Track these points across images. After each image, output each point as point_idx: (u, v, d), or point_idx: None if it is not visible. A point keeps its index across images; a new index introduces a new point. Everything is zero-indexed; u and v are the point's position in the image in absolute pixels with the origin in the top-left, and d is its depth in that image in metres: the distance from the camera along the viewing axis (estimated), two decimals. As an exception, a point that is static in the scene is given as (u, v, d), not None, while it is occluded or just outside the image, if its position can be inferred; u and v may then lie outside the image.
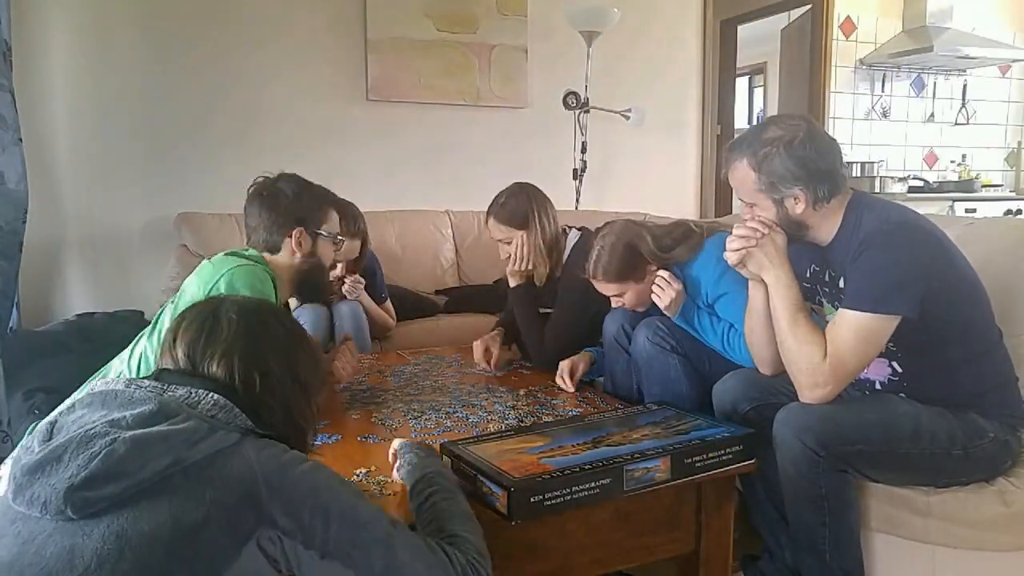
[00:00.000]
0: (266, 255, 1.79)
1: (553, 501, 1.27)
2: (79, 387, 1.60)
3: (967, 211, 4.67)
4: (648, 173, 4.52)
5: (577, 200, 4.06)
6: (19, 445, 0.96)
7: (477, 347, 2.32)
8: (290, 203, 1.79)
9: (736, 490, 1.61)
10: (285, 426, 1.04)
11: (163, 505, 0.85)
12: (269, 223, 1.78)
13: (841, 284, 1.60)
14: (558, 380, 2.08)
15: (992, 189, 5.18)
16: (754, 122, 6.91)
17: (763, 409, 1.62)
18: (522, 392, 2.04)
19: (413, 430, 1.72)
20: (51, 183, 3.34)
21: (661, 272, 1.94)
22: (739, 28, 4.88)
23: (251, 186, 1.84)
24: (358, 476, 1.42)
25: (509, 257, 2.28)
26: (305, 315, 2.45)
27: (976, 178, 5.14)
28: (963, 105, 5.26)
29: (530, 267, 2.28)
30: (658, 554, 1.56)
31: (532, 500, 1.25)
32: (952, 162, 5.29)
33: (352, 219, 2.48)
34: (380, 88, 3.85)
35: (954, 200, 4.78)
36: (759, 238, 1.54)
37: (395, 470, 1.33)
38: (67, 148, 3.40)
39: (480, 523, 1.14)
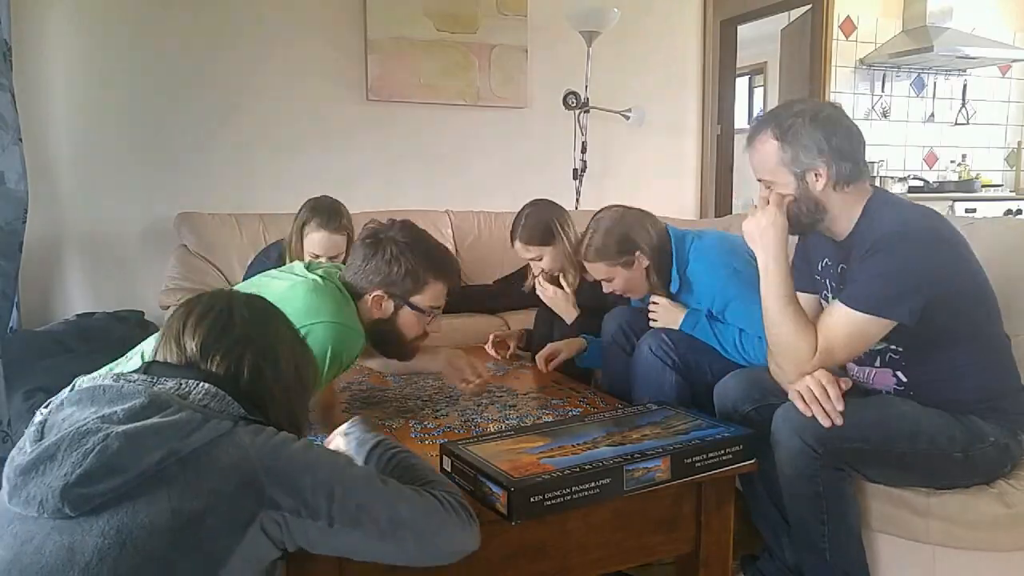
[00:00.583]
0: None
1: (553, 501, 1.27)
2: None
3: (967, 211, 4.67)
4: (648, 173, 4.52)
5: (577, 200, 4.05)
6: (16, 448, 0.97)
7: (493, 338, 2.48)
8: (387, 260, 1.68)
9: (736, 490, 1.61)
10: (283, 419, 1.05)
11: (161, 497, 0.86)
12: (360, 269, 1.70)
13: None
14: (536, 359, 2.23)
15: (992, 189, 5.18)
16: (754, 122, 6.90)
17: (764, 409, 1.62)
18: (522, 392, 2.04)
19: (413, 430, 1.72)
20: (51, 183, 3.34)
21: (654, 298, 2.01)
22: (739, 28, 4.87)
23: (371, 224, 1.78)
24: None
25: (542, 272, 2.38)
26: None
27: (976, 178, 5.14)
28: (963, 105, 5.26)
29: (559, 275, 2.39)
30: (658, 554, 1.56)
31: (532, 500, 1.25)
32: (952, 162, 5.28)
33: (335, 215, 2.46)
34: (380, 88, 3.84)
35: (954, 200, 4.78)
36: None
37: (336, 443, 1.28)
38: (67, 148, 3.40)
39: (480, 523, 1.14)
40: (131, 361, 1.67)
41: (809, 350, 1.48)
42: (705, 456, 1.44)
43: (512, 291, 3.01)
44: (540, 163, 4.12)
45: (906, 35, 4.88)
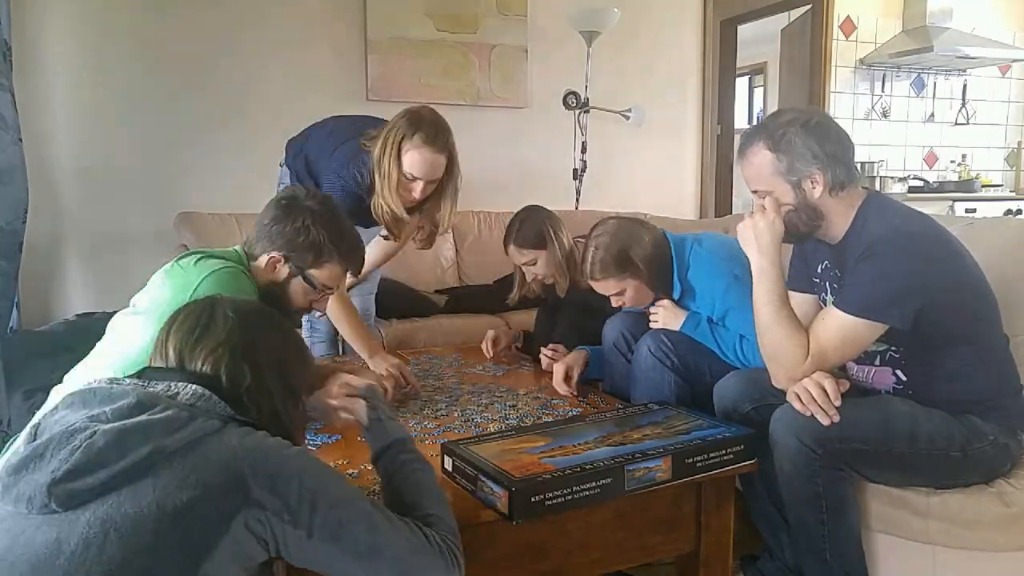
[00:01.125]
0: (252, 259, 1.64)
1: (554, 501, 1.27)
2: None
3: (967, 211, 4.67)
4: (648, 173, 4.52)
5: (577, 200, 4.06)
6: (11, 450, 0.98)
7: (489, 334, 2.51)
8: (296, 227, 1.59)
9: (736, 490, 1.61)
10: (268, 421, 1.04)
11: (147, 489, 0.87)
12: (265, 229, 1.62)
13: None
14: (555, 384, 2.04)
15: (992, 189, 5.18)
16: (754, 122, 6.90)
17: (764, 409, 1.62)
18: (522, 392, 2.04)
19: (413, 430, 1.72)
20: (51, 183, 3.34)
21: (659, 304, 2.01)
22: (739, 28, 4.87)
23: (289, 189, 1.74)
24: (353, 476, 1.42)
25: (535, 278, 2.40)
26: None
27: (976, 178, 5.14)
28: (963, 105, 5.26)
29: (550, 281, 2.39)
30: (658, 554, 1.56)
31: (533, 500, 1.25)
32: (952, 162, 5.28)
33: (442, 131, 2.19)
34: (380, 88, 3.84)
35: (954, 200, 4.78)
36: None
37: (362, 418, 1.29)
38: (67, 148, 3.40)
39: (480, 523, 1.14)
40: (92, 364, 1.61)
41: (801, 355, 1.49)
42: (706, 456, 1.44)
43: (512, 291, 3.01)
44: (540, 163, 4.12)
45: (906, 35, 4.88)
